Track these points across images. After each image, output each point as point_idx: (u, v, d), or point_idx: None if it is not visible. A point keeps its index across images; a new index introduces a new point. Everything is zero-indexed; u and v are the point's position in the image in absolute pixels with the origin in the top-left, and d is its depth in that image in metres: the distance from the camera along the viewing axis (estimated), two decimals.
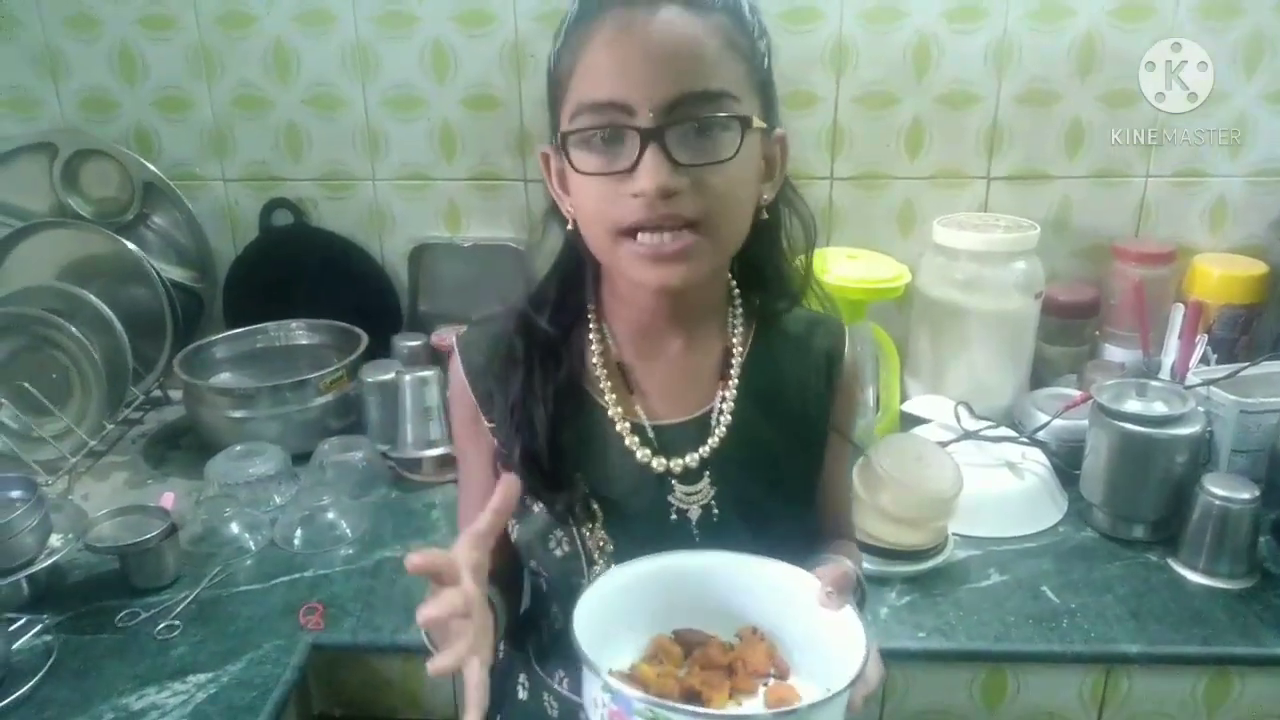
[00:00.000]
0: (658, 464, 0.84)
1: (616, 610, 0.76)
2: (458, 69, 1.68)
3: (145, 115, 1.74)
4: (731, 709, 0.72)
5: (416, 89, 1.70)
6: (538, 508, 0.85)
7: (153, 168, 1.74)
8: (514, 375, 0.85)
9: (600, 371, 0.86)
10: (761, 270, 0.90)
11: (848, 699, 0.68)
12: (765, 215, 0.84)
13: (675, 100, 0.73)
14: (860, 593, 0.91)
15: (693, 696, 0.71)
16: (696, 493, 0.85)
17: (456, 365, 0.90)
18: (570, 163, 0.77)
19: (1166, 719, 1.20)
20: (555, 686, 0.90)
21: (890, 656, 1.14)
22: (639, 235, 0.75)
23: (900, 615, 1.20)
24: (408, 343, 1.66)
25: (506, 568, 0.90)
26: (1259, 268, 1.65)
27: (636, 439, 0.85)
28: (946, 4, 1.61)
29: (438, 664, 0.65)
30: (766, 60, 0.81)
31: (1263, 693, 1.18)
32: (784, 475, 0.88)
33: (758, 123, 0.77)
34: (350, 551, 1.33)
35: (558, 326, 0.87)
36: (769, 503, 0.86)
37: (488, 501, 0.89)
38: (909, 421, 1.56)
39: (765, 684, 0.75)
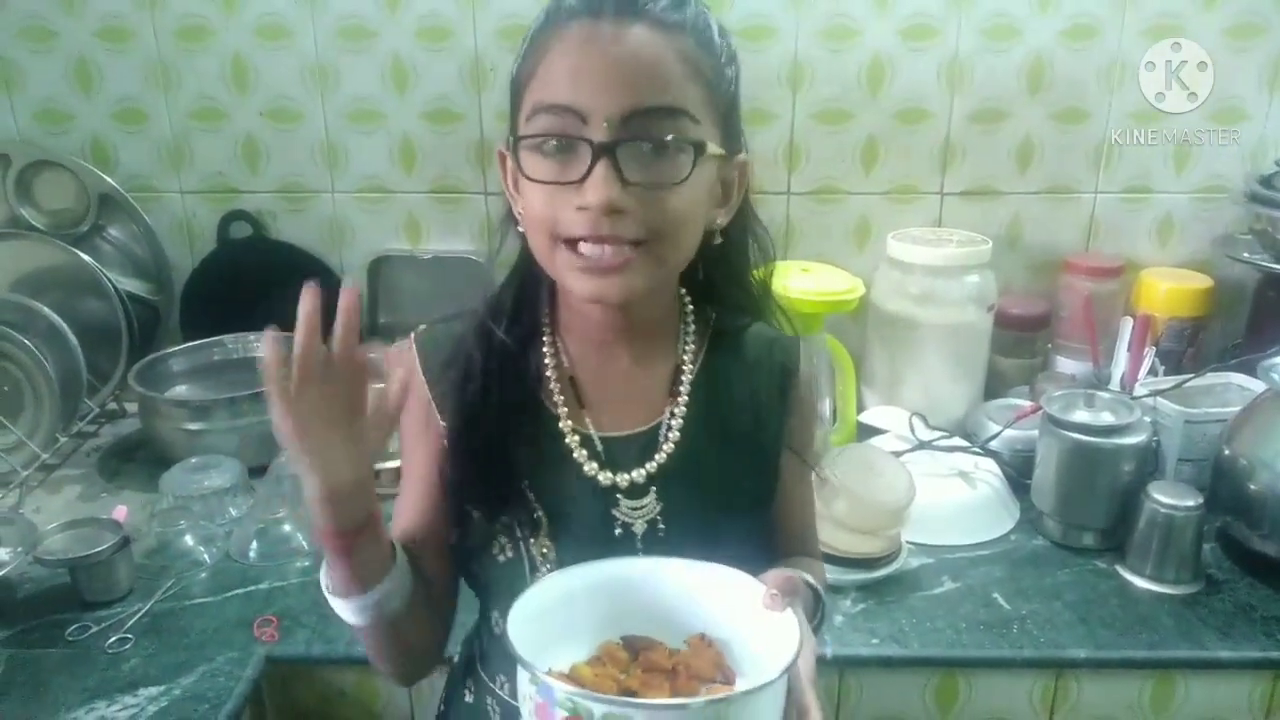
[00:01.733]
0: (604, 478, 0.84)
1: (563, 615, 0.76)
2: (418, 83, 1.69)
3: (102, 127, 1.72)
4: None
5: (376, 102, 1.70)
6: (479, 513, 0.85)
7: (109, 179, 1.73)
8: (470, 384, 0.85)
9: (554, 384, 0.86)
10: (716, 289, 0.90)
11: (777, 699, 0.68)
12: (719, 239, 0.84)
13: (630, 113, 0.73)
14: (820, 611, 0.91)
15: (629, 696, 0.71)
16: (642, 508, 0.85)
17: (413, 360, 0.89)
18: (520, 167, 0.77)
19: None
20: (497, 691, 0.90)
21: (844, 663, 1.18)
22: (579, 246, 0.75)
23: (854, 622, 1.21)
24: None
25: (438, 575, 0.90)
26: (1204, 281, 1.70)
27: (585, 452, 0.85)
28: (900, 24, 1.65)
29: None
30: (733, 86, 0.82)
31: (1206, 696, 1.20)
32: (734, 493, 0.88)
33: (714, 149, 0.77)
34: (305, 564, 1.32)
35: (514, 338, 0.86)
36: (717, 520, 0.86)
37: (426, 501, 0.88)
38: (865, 432, 1.58)
39: (707, 689, 0.74)
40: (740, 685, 0.75)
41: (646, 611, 0.79)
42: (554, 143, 0.75)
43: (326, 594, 0.81)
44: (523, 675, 0.68)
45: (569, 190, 0.75)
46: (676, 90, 0.75)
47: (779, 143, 1.71)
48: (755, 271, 0.91)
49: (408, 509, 0.90)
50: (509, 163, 0.83)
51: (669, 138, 0.75)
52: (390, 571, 0.80)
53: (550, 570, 0.83)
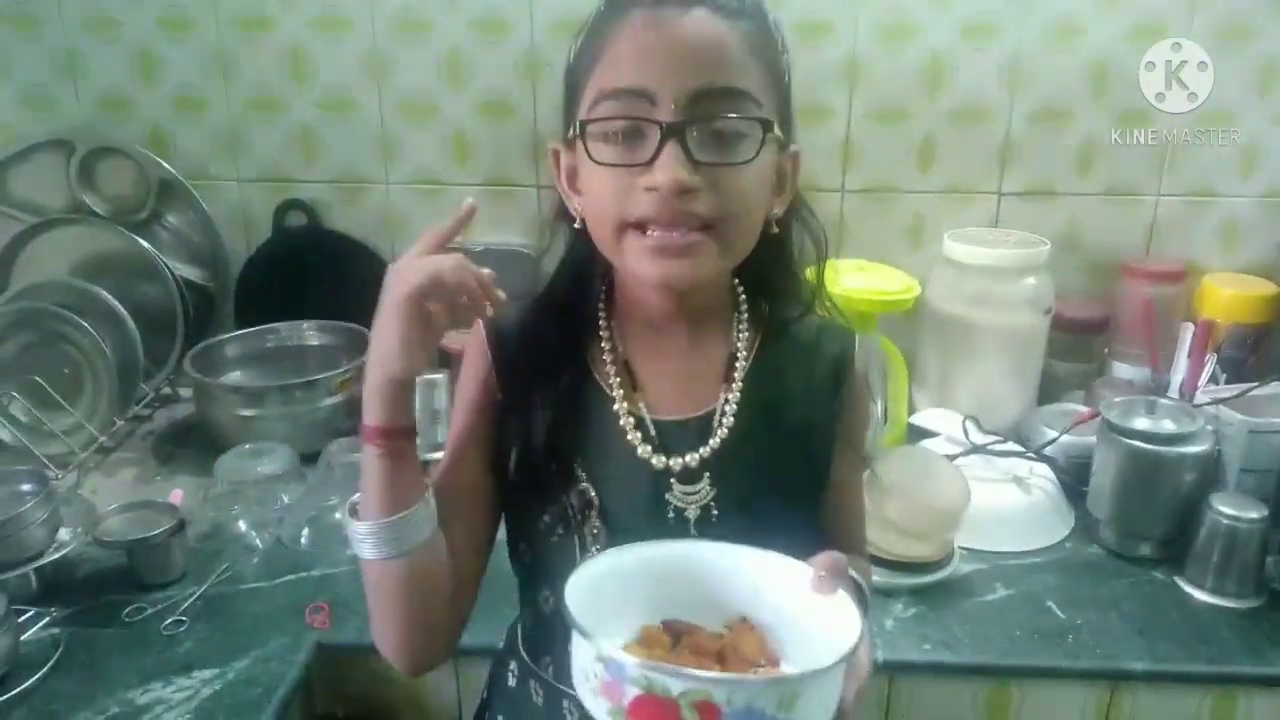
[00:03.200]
0: (658, 461, 0.84)
1: (606, 595, 0.74)
2: (473, 76, 1.69)
3: (162, 115, 1.75)
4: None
5: (431, 95, 1.71)
6: (532, 492, 0.85)
7: (168, 167, 1.75)
8: (526, 367, 0.85)
9: (610, 367, 0.86)
10: (769, 282, 0.90)
11: (841, 677, 0.66)
12: (775, 229, 0.84)
13: (698, 93, 0.73)
14: (864, 606, 0.91)
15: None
16: (695, 493, 0.84)
17: (479, 330, 0.88)
18: (587, 151, 0.76)
19: None
20: (541, 673, 0.89)
21: (895, 669, 1.16)
22: (648, 230, 0.75)
23: (906, 627, 1.20)
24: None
25: (467, 552, 0.87)
26: (1269, 288, 1.66)
27: (639, 434, 0.84)
28: (961, 22, 1.62)
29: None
30: (787, 76, 0.82)
31: (1269, 713, 1.17)
32: (786, 481, 0.87)
33: (777, 131, 0.78)
34: None
35: (564, 333, 0.87)
36: (769, 507, 0.86)
37: (463, 456, 0.87)
38: (916, 434, 1.56)
39: (755, 672, 0.73)
40: (785, 669, 0.73)
41: (687, 595, 0.78)
42: (620, 128, 0.75)
43: (349, 522, 0.80)
44: (584, 652, 0.65)
45: (637, 173, 0.74)
46: (741, 72, 0.76)
47: (834, 140, 1.69)
48: (809, 265, 0.91)
49: (451, 469, 0.88)
50: (562, 160, 0.83)
51: (736, 117, 0.75)
52: (420, 499, 0.79)
53: (599, 552, 0.82)
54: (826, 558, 0.76)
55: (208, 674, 1.10)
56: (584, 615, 0.68)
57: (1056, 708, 1.20)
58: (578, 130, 0.77)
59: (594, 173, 0.77)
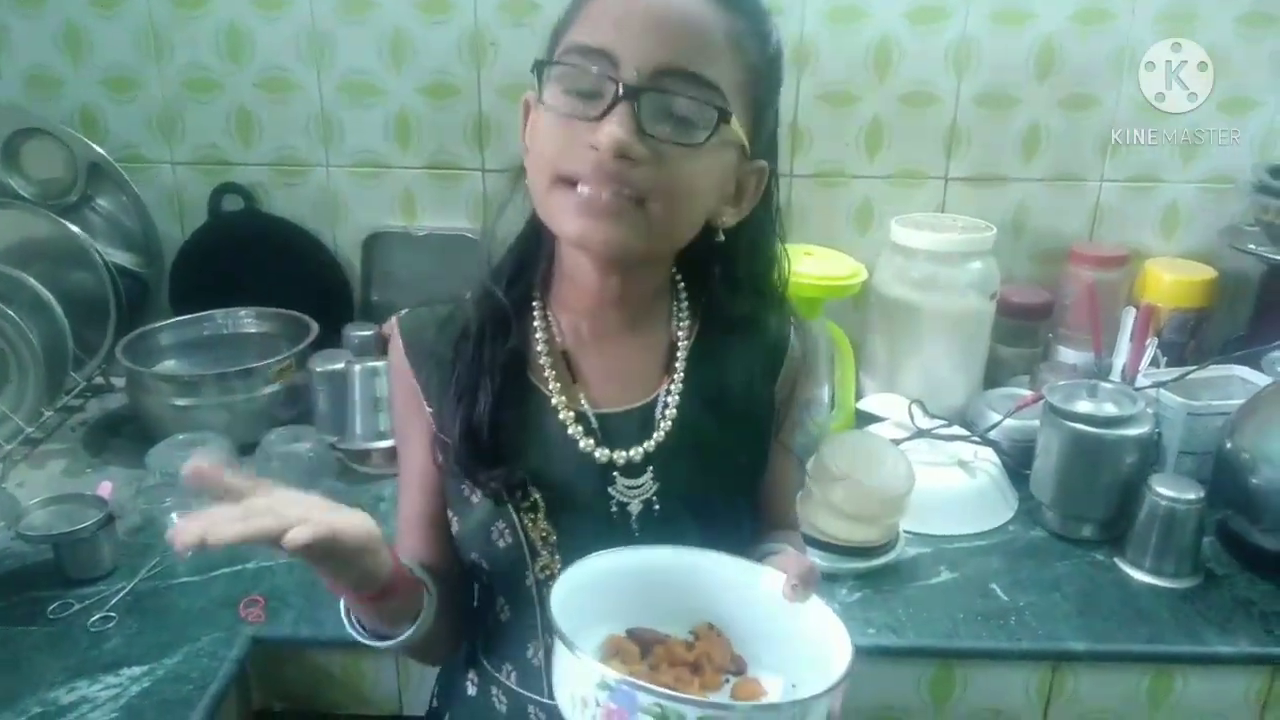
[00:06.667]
0: (601, 455, 0.82)
1: (574, 610, 0.73)
2: (415, 56, 1.65)
3: (91, 95, 1.69)
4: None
5: (373, 75, 1.67)
6: (477, 498, 0.83)
7: (98, 149, 1.69)
8: (463, 350, 0.83)
9: (545, 359, 0.84)
10: (710, 273, 0.87)
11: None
12: (721, 237, 0.82)
13: (663, 68, 0.71)
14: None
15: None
16: (638, 486, 0.83)
17: (397, 346, 0.87)
18: (540, 92, 0.75)
19: (1111, 715, 1.21)
20: (504, 681, 0.88)
21: None
22: (577, 186, 0.73)
23: (851, 612, 1.20)
24: (359, 333, 1.62)
25: (449, 568, 0.89)
26: (1208, 273, 1.68)
27: (580, 428, 0.83)
28: (908, 4, 1.62)
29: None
30: (773, 91, 0.81)
31: (1203, 690, 1.19)
32: (728, 471, 0.87)
33: (736, 127, 0.75)
34: None
35: (511, 300, 0.85)
36: (712, 498, 0.85)
37: (427, 490, 0.87)
38: (863, 419, 1.56)
39: (728, 680, 0.73)
40: (753, 673, 0.74)
41: (650, 602, 0.77)
42: (577, 80, 0.73)
43: (350, 632, 0.80)
44: (580, 680, 0.62)
45: (583, 129, 0.72)
46: (714, 64, 0.73)
47: (781, 124, 1.66)
48: (769, 280, 0.89)
49: (411, 499, 0.89)
50: (531, 113, 0.80)
51: (695, 98, 0.72)
52: (419, 615, 0.80)
53: (550, 553, 0.82)
54: (797, 565, 0.75)
55: (137, 671, 1.07)
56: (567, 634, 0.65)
57: (1000, 689, 1.20)
58: (535, 70, 0.75)
59: (543, 118, 0.75)
